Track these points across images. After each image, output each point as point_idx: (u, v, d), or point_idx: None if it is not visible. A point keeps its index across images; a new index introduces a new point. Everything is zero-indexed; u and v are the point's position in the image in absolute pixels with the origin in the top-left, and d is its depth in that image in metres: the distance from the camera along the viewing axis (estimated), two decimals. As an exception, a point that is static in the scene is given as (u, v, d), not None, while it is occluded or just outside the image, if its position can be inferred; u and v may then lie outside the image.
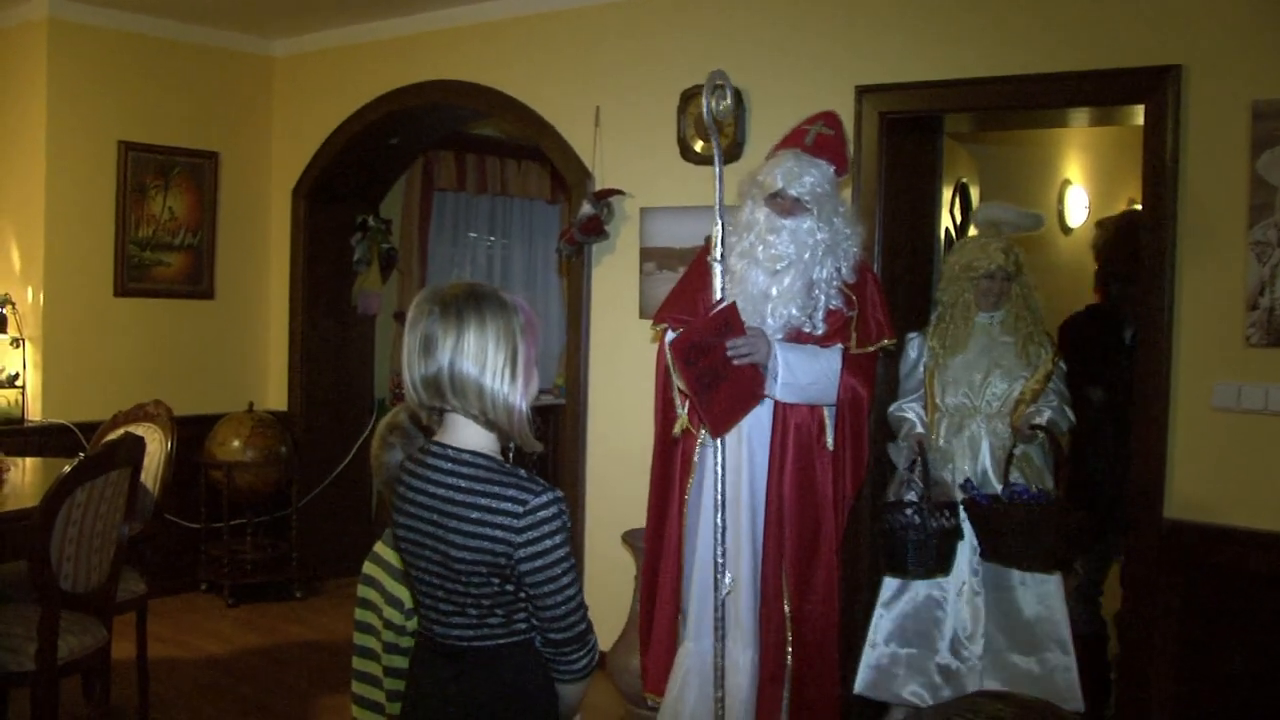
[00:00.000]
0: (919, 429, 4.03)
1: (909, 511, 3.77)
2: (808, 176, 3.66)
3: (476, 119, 6.52)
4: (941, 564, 3.83)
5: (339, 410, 6.72)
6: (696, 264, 4.02)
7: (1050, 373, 4.08)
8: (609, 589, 5.04)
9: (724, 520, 3.54)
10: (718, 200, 3.56)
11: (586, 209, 5.14)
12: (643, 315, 5.11)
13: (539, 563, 2.05)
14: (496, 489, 2.06)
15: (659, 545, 3.97)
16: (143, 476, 4.12)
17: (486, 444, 2.14)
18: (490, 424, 2.10)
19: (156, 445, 4.49)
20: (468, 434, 2.13)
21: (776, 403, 3.68)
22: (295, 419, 6.53)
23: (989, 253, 4.10)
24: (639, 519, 4.64)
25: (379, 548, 2.62)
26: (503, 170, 7.71)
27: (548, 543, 2.05)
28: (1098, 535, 4.70)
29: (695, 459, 3.85)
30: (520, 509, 2.04)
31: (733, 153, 4.86)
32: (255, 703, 4.78)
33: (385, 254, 6.61)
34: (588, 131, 5.28)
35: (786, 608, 3.67)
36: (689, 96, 4.94)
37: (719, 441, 3.58)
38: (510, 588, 2.08)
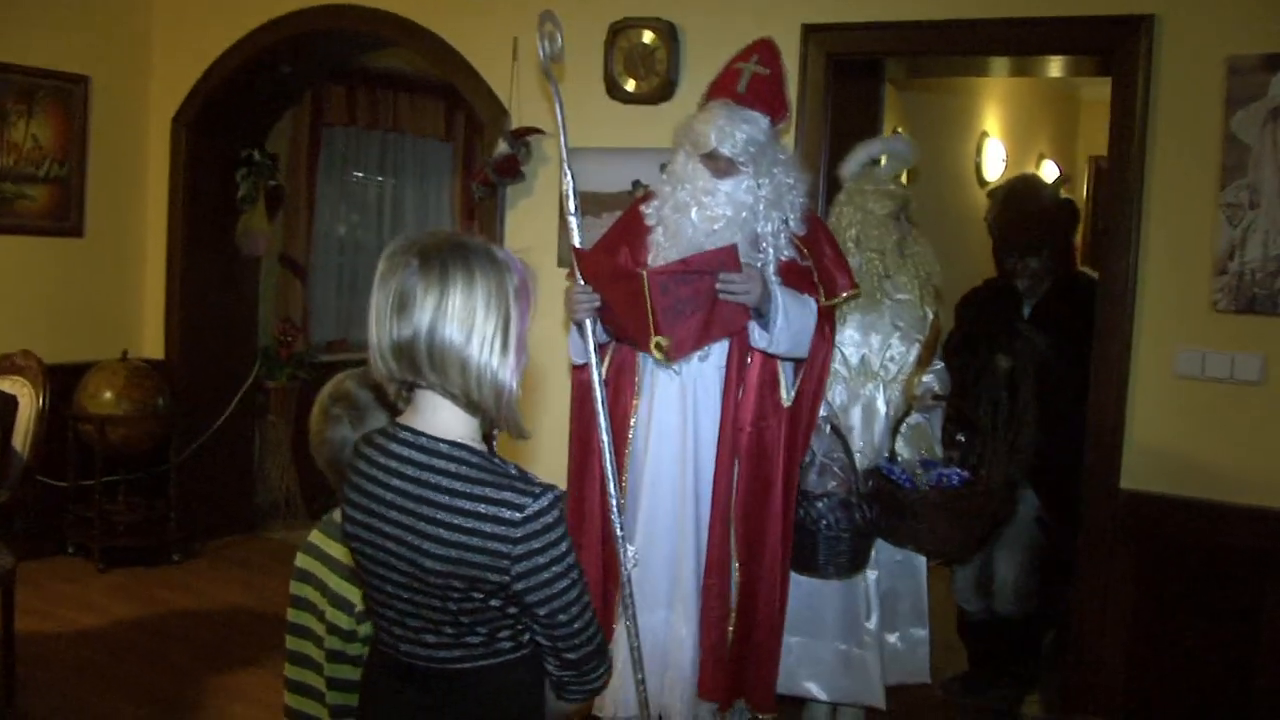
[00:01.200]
0: (824, 410, 3.63)
1: (832, 503, 3.49)
2: (739, 133, 3.36)
3: (376, 49, 6.04)
4: (861, 562, 3.55)
5: (220, 359, 6.19)
6: (628, 215, 3.72)
7: (939, 335, 3.88)
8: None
9: (618, 490, 3.32)
10: (562, 152, 3.28)
11: (503, 148, 4.76)
12: (561, 264, 4.78)
13: (543, 576, 1.72)
14: (486, 490, 1.72)
15: (579, 514, 3.68)
16: (12, 438, 3.66)
17: (466, 431, 1.79)
18: (472, 405, 1.75)
19: (27, 401, 4.00)
20: (444, 418, 1.78)
21: (732, 356, 3.41)
22: (173, 368, 5.99)
23: (888, 191, 3.84)
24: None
25: (316, 538, 2.26)
26: (395, 105, 7.21)
27: (552, 553, 1.72)
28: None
29: (632, 421, 3.57)
30: (517, 515, 1.70)
31: (664, 93, 4.56)
32: (137, 683, 4.34)
33: (272, 191, 6.11)
34: (504, 65, 4.88)
35: (736, 577, 3.42)
36: (619, 30, 4.59)
37: (649, 404, 3.42)
38: (496, 603, 1.75)
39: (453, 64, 4.99)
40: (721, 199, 3.38)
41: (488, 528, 1.70)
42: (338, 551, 2.17)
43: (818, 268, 3.48)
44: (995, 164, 6.96)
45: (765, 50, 3.54)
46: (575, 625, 1.78)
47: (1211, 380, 3.66)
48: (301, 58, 5.71)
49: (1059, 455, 4.09)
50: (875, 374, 3.81)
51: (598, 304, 3.34)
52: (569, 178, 3.32)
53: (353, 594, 2.10)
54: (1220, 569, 3.66)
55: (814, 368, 3.48)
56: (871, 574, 3.71)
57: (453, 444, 1.76)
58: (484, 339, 1.71)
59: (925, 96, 5.98)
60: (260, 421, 6.35)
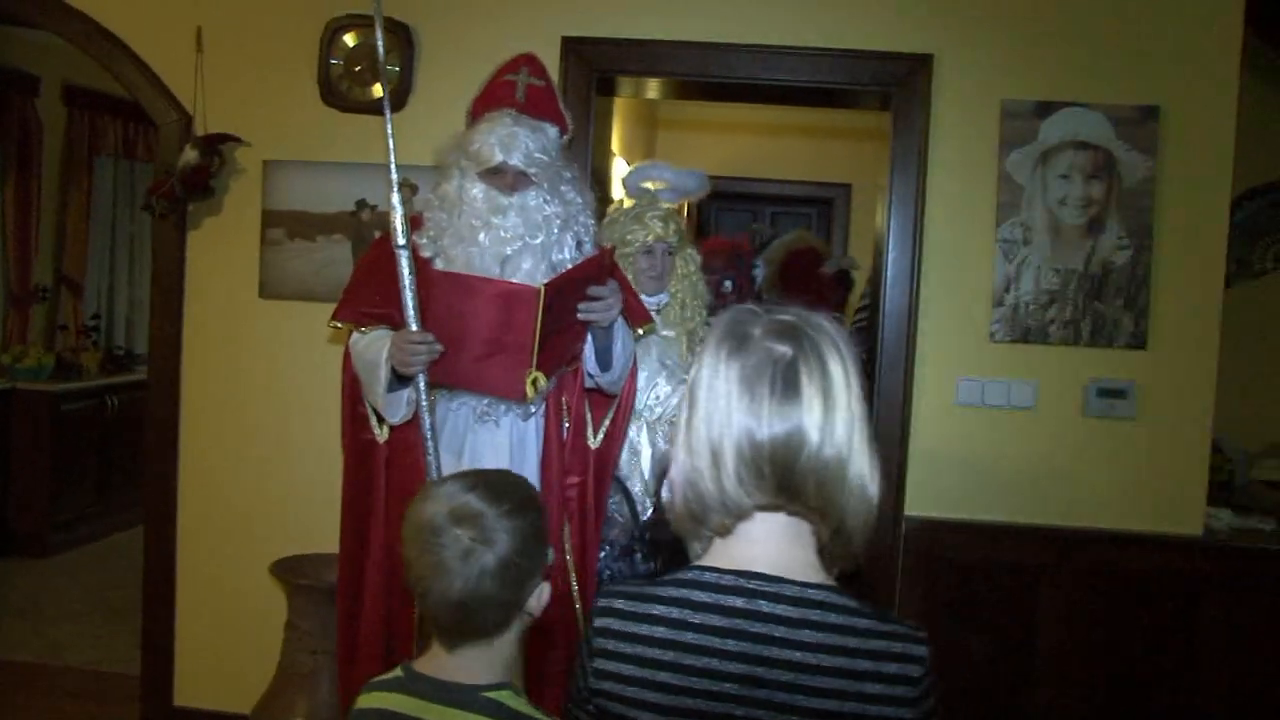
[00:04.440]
0: None
1: (614, 553, 3.30)
2: (530, 142, 3.03)
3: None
4: None
5: None
6: (385, 244, 3.25)
7: None
8: (227, 637, 4.08)
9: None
10: (392, 173, 2.89)
11: (190, 156, 3.99)
12: (265, 294, 4.11)
13: None
14: (883, 645, 1.36)
15: (359, 584, 3.21)
16: None
17: (820, 568, 1.43)
18: (839, 534, 1.39)
19: None
20: (798, 556, 1.41)
21: (550, 398, 3.10)
22: None
23: (644, 222, 3.70)
24: (260, 549, 4.00)
25: (405, 704, 1.68)
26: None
27: (935, 716, 1.41)
28: None
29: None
30: (918, 672, 1.37)
31: (395, 102, 4.02)
32: None
33: None
34: (184, 58, 4.10)
35: (579, 607, 3.14)
36: (339, 29, 4.01)
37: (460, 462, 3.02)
38: None
39: (114, 55, 4.12)
40: (513, 217, 3.00)
41: (892, 691, 1.36)
42: (439, 715, 1.65)
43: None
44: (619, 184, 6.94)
45: (532, 63, 3.23)
46: None
47: (990, 407, 3.85)
48: None
49: None
50: (638, 414, 3.62)
51: (439, 351, 2.89)
52: (399, 206, 2.86)
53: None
54: (1000, 585, 3.85)
55: (622, 405, 3.25)
56: None
57: (833, 589, 1.39)
58: (862, 447, 1.37)
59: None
60: None
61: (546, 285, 2.79)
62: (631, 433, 3.58)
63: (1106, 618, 3.81)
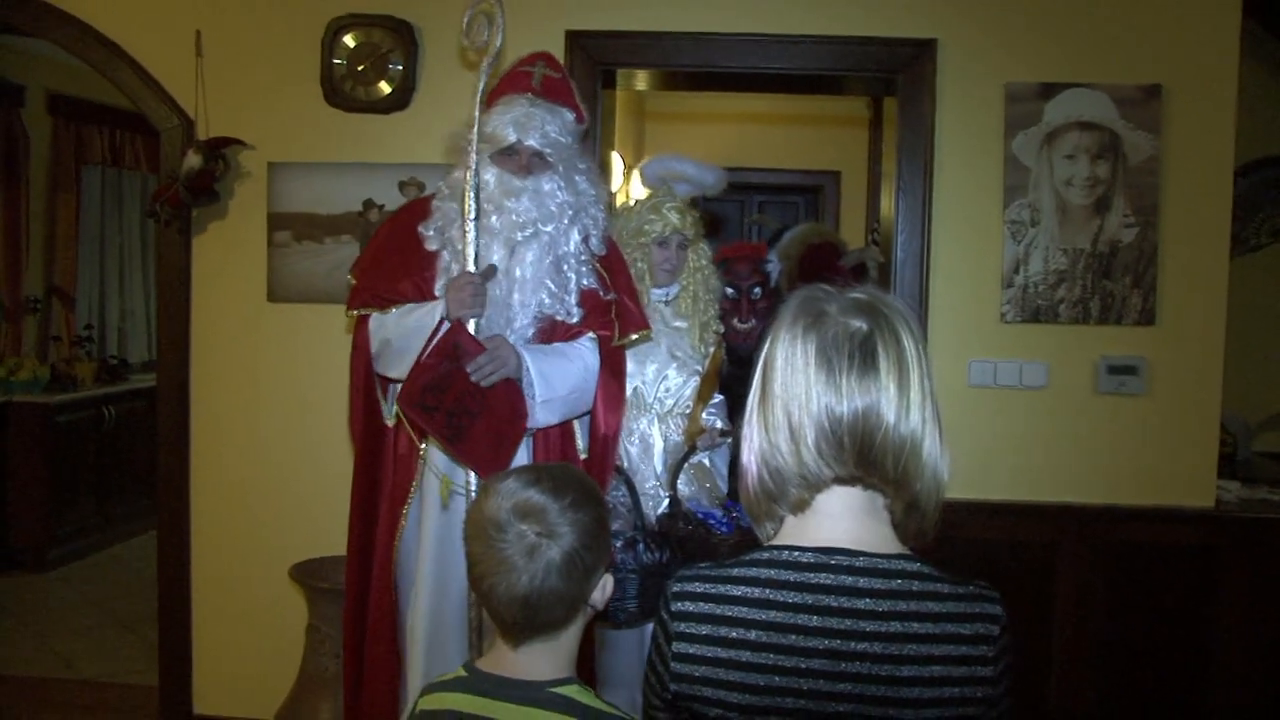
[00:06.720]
0: None
1: (617, 544, 3.30)
2: (548, 126, 3.03)
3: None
4: (653, 606, 3.31)
5: None
6: (398, 230, 3.22)
7: (719, 366, 3.80)
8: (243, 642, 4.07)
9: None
10: (472, 154, 2.89)
11: (194, 160, 3.97)
12: (273, 298, 4.10)
13: (1007, 701, 1.44)
14: (962, 606, 1.40)
15: (368, 571, 3.20)
16: None
17: (891, 540, 1.45)
18: (911, 509, 1.43)
19: None
20: (879, 530, 1.45)
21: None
22: None
23: (662, 213, 3.71)
24: (276, 553, 4.02)
25: (471, 704, 1.68)
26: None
27: (1010, 671, 1.44)
28: None
29: (416, 478, 3.10)
30: (995, 631, 1.41)
31: (399, 100, 4.03)
32: None
33: None
34: (184, 62, 4.08)
35: None
36: (340, 29, 4.00)
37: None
38: None
39: (112, 61, 4.09)
40: (526, 201, 3.00)
41: (971, 651, 1.40)
42: (508, 714, 1.65)
43: (618, 301, 3.19)
44: (616, 175, 6.96)
45: (549, 59, 3.24)
46: None
47: (1003, 388, 3.88)
48: None
49: None
50: (649, 406, 3.63)
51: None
52: (473, 180, 2.90)
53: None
54: (1016, 563, 3.88)
55: (603, 417, 3.19)
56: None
57: (910, 558, 1.43)
58: (933, 422, 1.41)
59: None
60: None
61: (400, 401, 2.84)
62: (643, 426, 3.60)
63: (1122, 591, 3.85)
